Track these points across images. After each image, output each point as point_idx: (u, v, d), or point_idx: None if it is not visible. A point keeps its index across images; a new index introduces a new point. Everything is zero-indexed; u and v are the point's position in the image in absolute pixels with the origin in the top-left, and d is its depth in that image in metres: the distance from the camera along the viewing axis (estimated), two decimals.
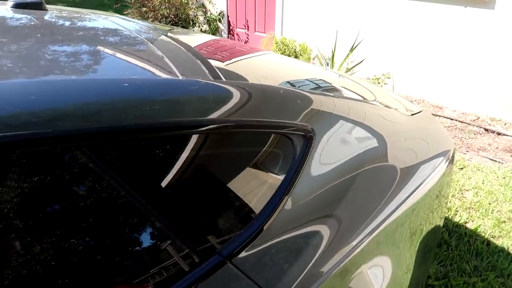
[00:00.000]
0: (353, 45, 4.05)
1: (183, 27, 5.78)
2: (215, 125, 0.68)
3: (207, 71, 0.78)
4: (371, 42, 4.32)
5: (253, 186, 0.75)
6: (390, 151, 1.11)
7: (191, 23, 5.89)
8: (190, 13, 5.85)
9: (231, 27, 5.99)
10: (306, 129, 0.86)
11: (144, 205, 0.58)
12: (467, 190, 2.64)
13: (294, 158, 0.81)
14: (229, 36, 6.06)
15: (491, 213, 2.40)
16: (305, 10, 4.85)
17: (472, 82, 3.84)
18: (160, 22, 5.58)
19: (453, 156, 1.37)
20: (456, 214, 2.38)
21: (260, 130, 0.77)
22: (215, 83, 0.75)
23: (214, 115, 0.68)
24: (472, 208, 2.45)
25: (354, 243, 0.85)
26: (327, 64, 4.31)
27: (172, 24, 5.68)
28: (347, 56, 4.08)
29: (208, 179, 0.69)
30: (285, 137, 0.83)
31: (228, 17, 5.95)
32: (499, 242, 2.16)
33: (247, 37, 5.81)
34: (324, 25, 4.69)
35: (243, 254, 0.66)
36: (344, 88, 1.29)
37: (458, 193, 2.59)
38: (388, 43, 4.27)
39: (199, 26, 6.04)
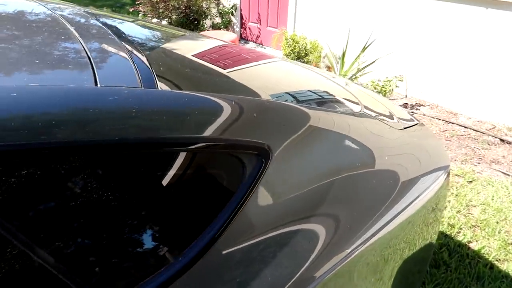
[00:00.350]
0: (365, 44, 3.88)
1: (194, 19, 5.67)
2: (133, 145, 0.57)
3: (141, 78, 0.67)
4: (384, 43, 4.12)
5: (182, 218, 0.64)
6: (376, 165, 1.03)
7: (203, 15, 5.78)
8: (203, 5, 5.74)
9: (243, 21, 5.86)
10: (260, 146, 0.74)
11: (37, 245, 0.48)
12: (475, 206, 2.47)
13: (240, 185, 0.69)
14: (241, 29, 5.93)
15: (498, 233, 2.22)
16: (318, 6, 4.67)
17: (490, 89, 3.61)
18: (171, 13, 5.48)
19: (448, 174, 1.26)
20: (459, 232, 2.22)
21: (197, 149, 0.65)
22: (145, 92, 0.64)
23: (136, 132, 0.57)
24: (478, 226, 2.28)
25: (335, 263, 0.77)
26: (337, 63, 4.14)
27: (184, 16, 5.57)
28: (358, 56, 3.90)
29: (123, 208, 0.58)
30: (231, 156, 0.71)
31: (241, 10, 5.82)
32: (503, 266, 1.99)
33: (259, 32, 5.67)
34: (337, 23, 4.51)
35: None
36: (344, 99, 1.20)
37: (464, 209, 2.42)
38: (402, 44, 4.06)
39: (211, 19, 5.92)
